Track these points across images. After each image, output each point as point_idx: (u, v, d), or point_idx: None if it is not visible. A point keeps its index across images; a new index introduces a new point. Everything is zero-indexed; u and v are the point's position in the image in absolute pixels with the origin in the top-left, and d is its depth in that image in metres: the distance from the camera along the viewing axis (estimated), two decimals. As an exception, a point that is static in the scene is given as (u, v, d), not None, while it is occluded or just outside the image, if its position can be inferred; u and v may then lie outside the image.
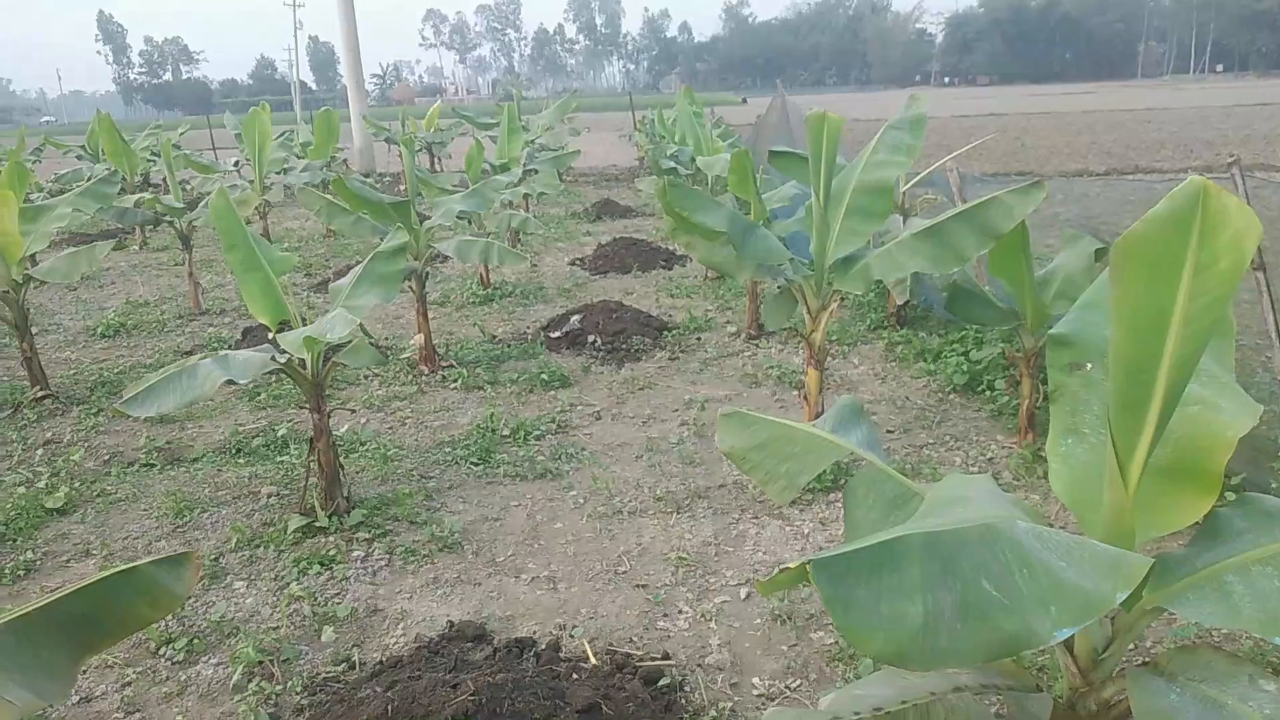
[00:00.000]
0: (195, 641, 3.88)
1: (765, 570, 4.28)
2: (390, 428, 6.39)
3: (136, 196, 9.19)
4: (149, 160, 15.54)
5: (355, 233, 7.05)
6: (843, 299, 4.87)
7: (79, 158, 19.85)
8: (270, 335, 4.58)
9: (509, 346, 8.02)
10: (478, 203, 7.27)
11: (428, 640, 3.81)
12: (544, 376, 7.06)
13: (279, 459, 5.90)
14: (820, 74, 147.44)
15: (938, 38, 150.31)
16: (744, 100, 74.17)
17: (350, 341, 4.68)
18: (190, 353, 8.34)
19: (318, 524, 4.74)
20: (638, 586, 4.20)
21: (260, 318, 4.66)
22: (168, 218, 9.25)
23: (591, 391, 6.92)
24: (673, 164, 9.90)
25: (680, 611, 3.99)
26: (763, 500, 4.97)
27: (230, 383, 4.14)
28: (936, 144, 27.10)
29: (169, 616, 4.05)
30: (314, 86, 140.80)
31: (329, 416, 4.78)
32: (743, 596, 4.08)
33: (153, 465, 5.89)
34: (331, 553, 4.53)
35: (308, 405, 4.75)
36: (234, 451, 6.06)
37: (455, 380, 7.18)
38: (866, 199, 4.80)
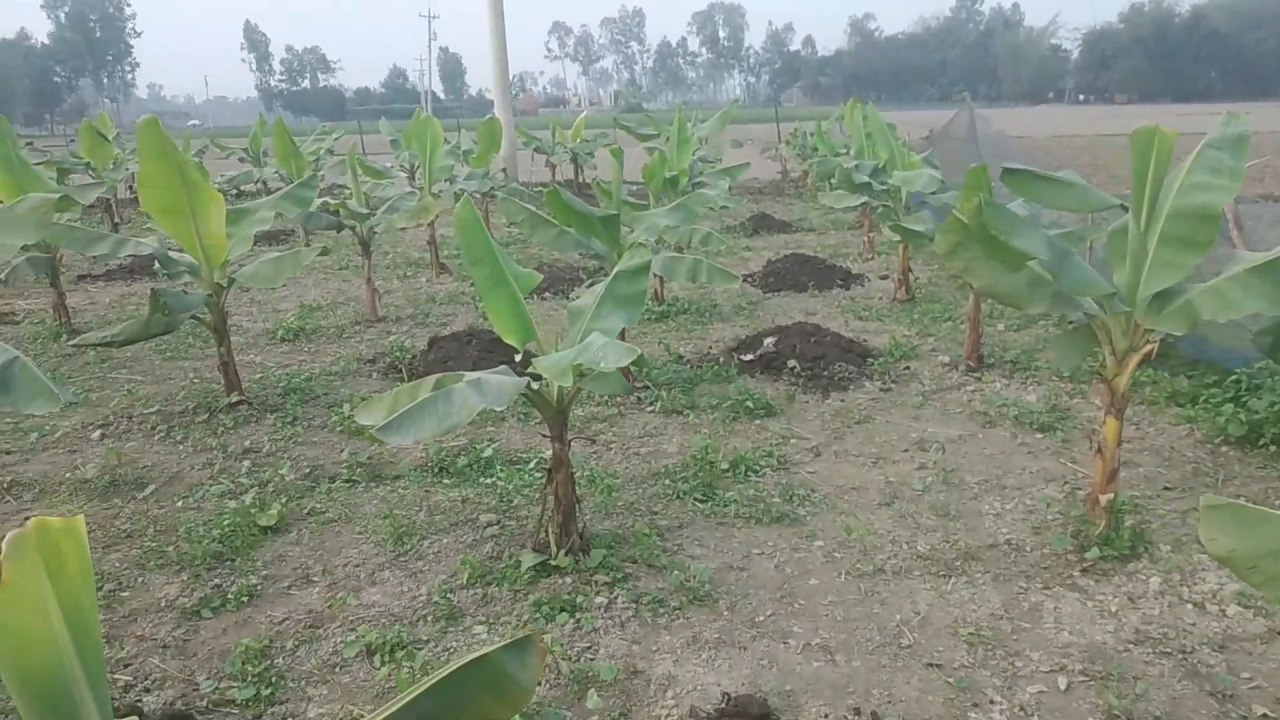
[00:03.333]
0: (446, 695, 3.51)
1: (1078, 655, 3.69)
2: (595, 453, 6.00)
3: (320, 200, 9.12)
4: (315, 165, 15.76)
5: (557, 246, 6.71)
6: (1161, 341, 4.23)
7: (240, 160, 20.47)
8: (517, 356, 4.23)
9: (699, 368, 7.56)
10: (683, 217, 6.87)
11: (704, 714, 3.36)
12: (748, 404, 6.57)
13: (484, 481, 5.58)
14: (947, 89, 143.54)
15: (1073, 54, 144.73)
16: (871, 115, 72.41)
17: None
18: (373, 360, 8.18)
19: (552, 562, 4.36)
20: (930, 665, 3.66)
21: (507, 337, 4.31)
22: (350, 223, 9.15)
23: (801, 423, 6.41)
24: (867, 179, 9.33)
25: (992, 701, 3.43)
26: (1047, 566, 4.36)
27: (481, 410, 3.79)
28: (1089, 163, 25.63)
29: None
30: (442, 96, 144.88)
31: (569, 446, 4.39)
32: (1062, 687, 3.50)
33: (356, 482, 5.65)
34: (574, 598, 4.13)
35: (549, 434, 4.38)
36: (437, 470, 5.77)
37: (653, 402, 6.76)
38: (1185, 226, 4.14)
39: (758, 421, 6.43)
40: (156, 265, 6.66)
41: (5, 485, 5.75)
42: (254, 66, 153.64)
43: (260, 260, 6.75)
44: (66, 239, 6.65)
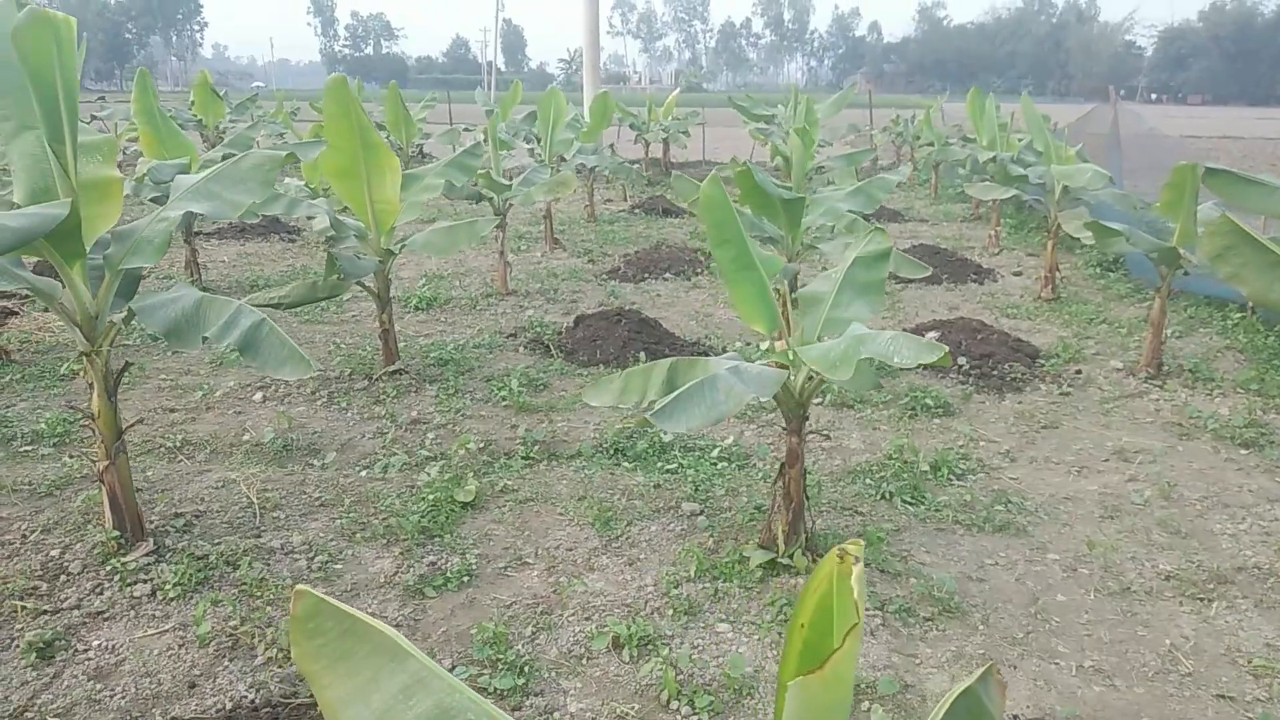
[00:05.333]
0: (713, 699, 3.36)
1: (1383, 697, 3.44)
2: (770, 443, 5.81)
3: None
4: (424, 133, 15.71)
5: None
6: None
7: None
8: (765, 344, 4.05)
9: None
10: (864, 201, 6.63)
11: (997, 738, 3.16)
12: (928, 401, 6.34)
13: (664, 466, 5.42)
14: (1015, 82, 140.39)
15: (1147, 51, 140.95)
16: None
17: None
18: (513, 335, 8.04)
19: (781, 560, 4.19)
20: (1221, 698, 3.43)
21: (752, 324, 4.14)
22: (489, 194, 9.02)
23: (983, 424, 6.16)
24: (1023, 171, 8.98)
25: (1305, 742, 3.20)
26: (1311, 596, 4.10)
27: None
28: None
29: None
30: (503, 68, 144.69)
31: (805, 441, 4.21)
32: (1377, 732, 3.26)
33: (535, 460, 5.52)
34: (815, 601, 3.95)
35: (786, 427, 4.20)
36: (613, 452, 5.62)
37: (822, 394, 6.55)
38: None
39: (937, 420, 6.20)
40: (327, 228, 6.55)
41: (177, 444, 5.70)
42: (319, 31, 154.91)
43: (434, 229, 6.63)
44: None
